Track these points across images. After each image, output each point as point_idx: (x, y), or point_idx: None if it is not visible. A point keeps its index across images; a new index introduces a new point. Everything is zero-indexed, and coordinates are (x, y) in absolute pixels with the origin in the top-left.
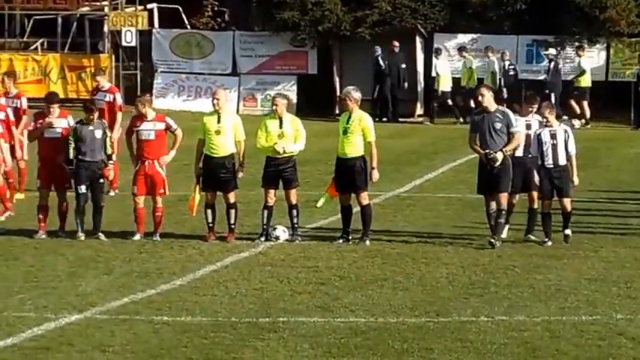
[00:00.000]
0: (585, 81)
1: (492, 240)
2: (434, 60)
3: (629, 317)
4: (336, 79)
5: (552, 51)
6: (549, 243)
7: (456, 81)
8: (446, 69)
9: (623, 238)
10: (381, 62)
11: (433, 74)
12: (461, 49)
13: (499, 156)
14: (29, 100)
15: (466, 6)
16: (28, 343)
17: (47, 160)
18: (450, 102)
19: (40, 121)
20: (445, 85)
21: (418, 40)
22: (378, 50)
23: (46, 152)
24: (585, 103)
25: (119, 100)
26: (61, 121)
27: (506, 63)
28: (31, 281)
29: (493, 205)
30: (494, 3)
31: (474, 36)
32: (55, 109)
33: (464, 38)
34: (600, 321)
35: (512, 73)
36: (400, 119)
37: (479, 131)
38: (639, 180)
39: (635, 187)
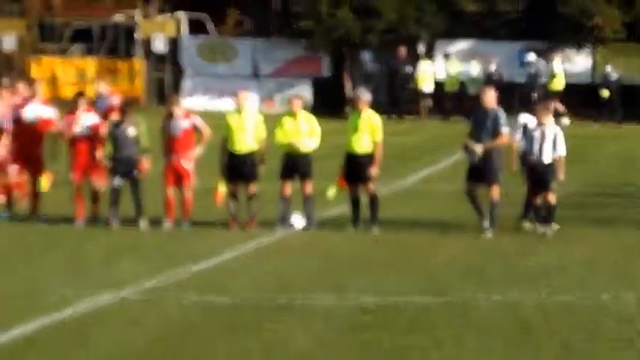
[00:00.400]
0: (559, 84)
1: (485, 234)
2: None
3: (615, 297)
4: (347, 82)
5: (531, 57)
6: (542, 230)
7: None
8: (426, 72)
9: (610, 227)
10: (368, 66)
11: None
12: (445, 55)
13: (478, 149)
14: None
15: (464, 15)
16: (69, 320)
17: (79, 155)
18: (429, 102)
19: (70, 118)
20: (425, 86)
21: (421, 45)
22: (366, 55)
23: (78, 147)
24: (559, 103)
25: (116, 101)
26: (88, 117)
27: (492, 68)
28: (71, 264)
29: (471, 188)
30: (491, 12)
31: (472, 42)
32: (82, 103)
33: (462, 44)
34: (588, 301)
35: (496, 77)
36: (405, 117)
37: (475, 125)
38: (624, 174)
39: (621, 180)
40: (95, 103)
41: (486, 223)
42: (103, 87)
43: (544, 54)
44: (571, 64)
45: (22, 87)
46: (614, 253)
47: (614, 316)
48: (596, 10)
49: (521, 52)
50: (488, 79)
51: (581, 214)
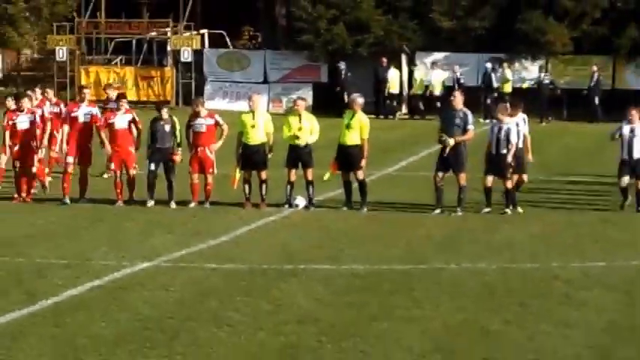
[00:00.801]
0: (509, 87)
1: (456, 212)
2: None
3: (563, 265)
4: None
5: (488, 65)
6: (486, 210)
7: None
8: (395, 77)
9: (560, 208)
10: (343, 74)
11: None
12: (414, 64)
13: (450, 141)
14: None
15: (440, 31)
16: (110, 284)
17: (118, 148)
18: (395, 102)
19: (110, 116)
20: (394, 89)
21: (403, 56)
22: (342, 65)
23: (116, 141)
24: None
25: (126, 106)
26: (128, 116)
27: (457, 74)
28: (112, 238)
29: (439, 178)
30: (462, 29)
31: (446, 54)
32: (123, 105)
33: (438, 56)
34: (541, 268)
35: (462, 81)
36: (389, 116)
37: (444, 123)
38: (570, 163)
39: (567, 168)
40: (108, 104)
41: (437, 211)
42: (111, 91)
43: (501, 63)
44: (527, 72)
45: (50, 94)
46: (563, 230)
47: (562, 281)
48: (548, 28)
49: (485, 62)
50: (457, 85)
51: (536, 197)
